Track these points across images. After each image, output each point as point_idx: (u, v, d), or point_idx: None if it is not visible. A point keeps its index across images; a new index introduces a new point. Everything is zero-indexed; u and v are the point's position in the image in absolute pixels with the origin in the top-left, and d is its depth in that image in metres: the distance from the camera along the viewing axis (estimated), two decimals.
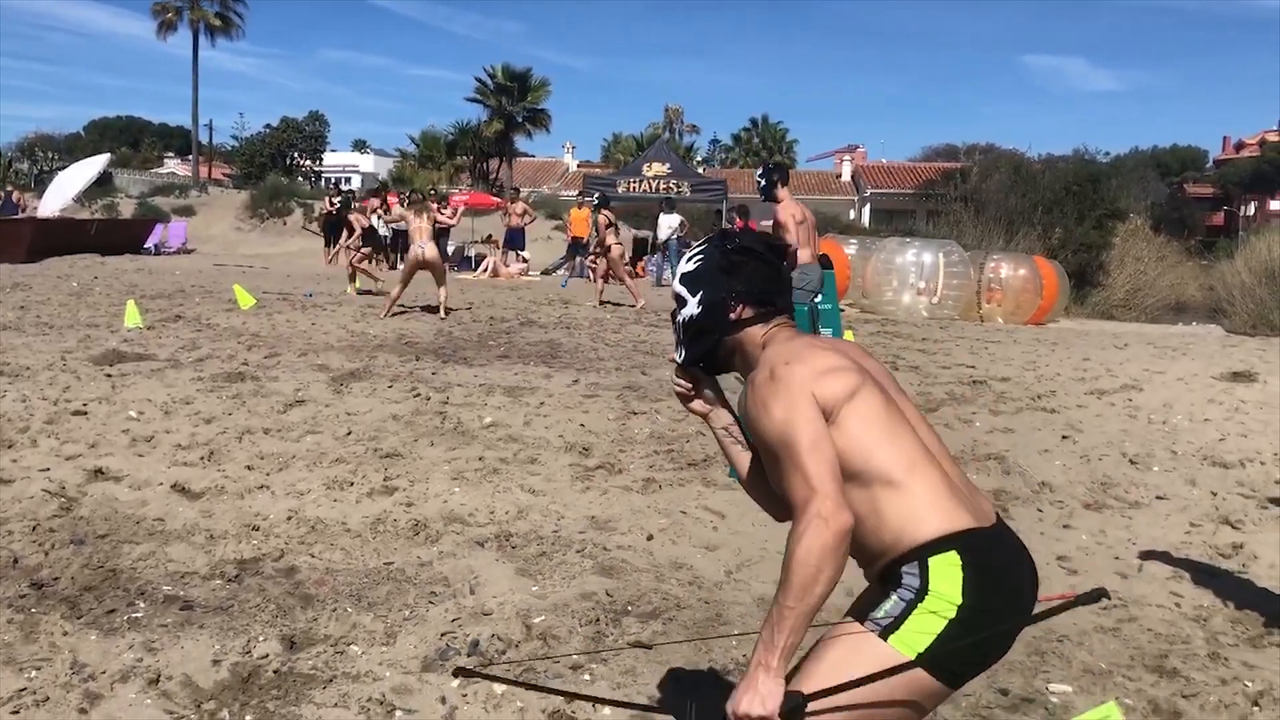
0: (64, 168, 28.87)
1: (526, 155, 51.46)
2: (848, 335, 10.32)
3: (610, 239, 15.88)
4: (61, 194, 24.19)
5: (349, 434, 6.60)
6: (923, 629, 1.94)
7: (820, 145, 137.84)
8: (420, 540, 4.68)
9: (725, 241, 2.31)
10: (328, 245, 22.89)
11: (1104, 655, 3.70)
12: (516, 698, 3.28)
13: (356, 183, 48.41)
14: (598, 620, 3.82)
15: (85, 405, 7.27)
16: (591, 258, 21.00)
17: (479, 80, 45.35)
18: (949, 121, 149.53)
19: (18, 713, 3.12)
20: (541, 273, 22.93)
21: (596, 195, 19.53)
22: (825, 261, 11.74)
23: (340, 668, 3.46)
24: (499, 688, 3.28)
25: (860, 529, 1.98)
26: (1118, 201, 29.74)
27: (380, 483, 5.54)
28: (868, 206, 46.23)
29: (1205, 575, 4.46)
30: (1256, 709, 3.34)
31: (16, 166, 38.19)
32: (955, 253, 18.46)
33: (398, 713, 3.20)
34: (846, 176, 50.41)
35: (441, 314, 13.09)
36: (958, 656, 1.96)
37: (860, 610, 2.06)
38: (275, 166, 43.04)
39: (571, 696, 2.66)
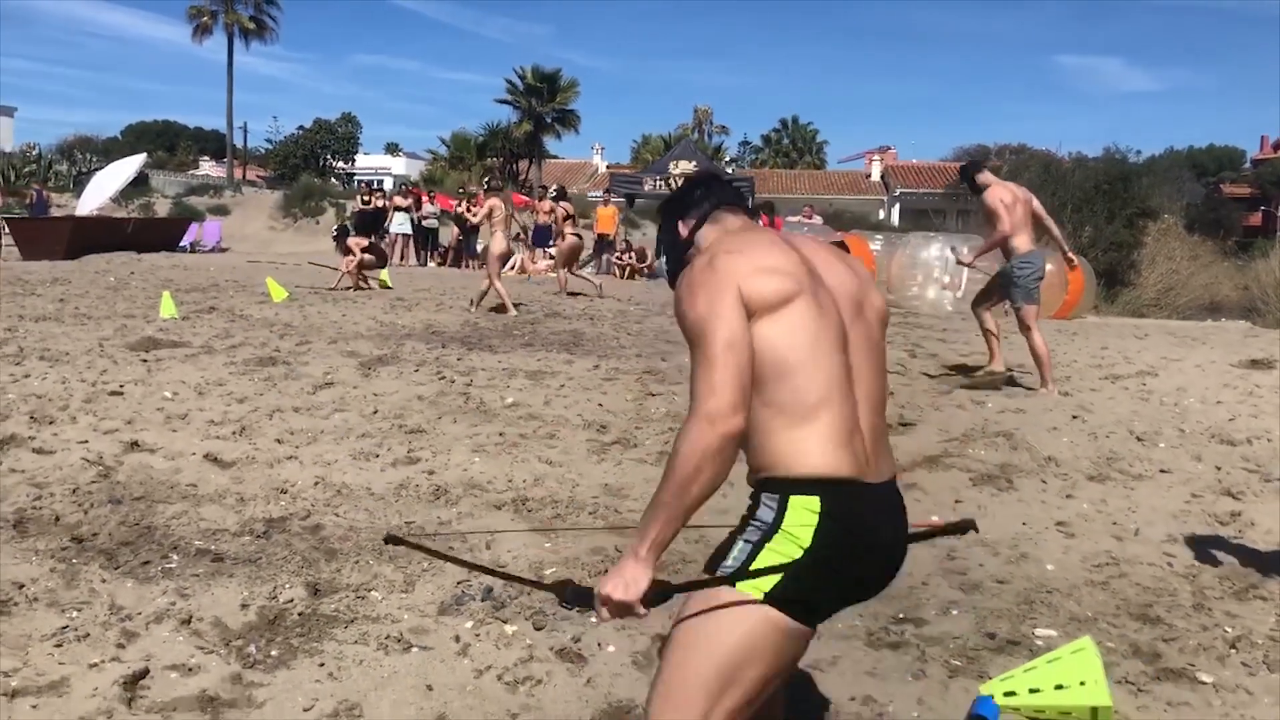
0: (101, 168, 29.42)
1: (555, 157, 51.78)
2: None
3: (568, 230, 16.25)
4: (99, 193, 24.69)
5: (375, 412, 6.82)
6: (769, 569, 1.95)
7: (851, 146, 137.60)
8: (440, 503, 4.88)
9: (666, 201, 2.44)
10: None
11: (1091, 605, 3.84)
12: (525, 636, 3.47)
13: (389, 185, 48.91)
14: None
15: (122, 386, 7.54)
16: (618, 255, 21.22)
17: (509, 81, 45.75)
18: (981, 122, 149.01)
19: (61, 645, 3.34)
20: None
21: (555, 186, 19.94)
22: (842, 249, 11.86)
23: (361, 611, 3.65)
24: (510, 627, 3.47)
25: (749, 436, 1.99)
26: (1149, 200, 29.57)
27: (404, 454, 5.75)
28: (897, 206, 46.20)
29: (1201, 540, 4.57)
30: (1234, 651, 3.46)
31: (56, 168, 38.91)
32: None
33: (414, 649, 3.40)
34: (876, 176, 50.37)
35: (475, 304, 13.38)
36: (804, 597, 1.97)
37: (714, 559, 2.06)
38: (308, 168, 43.60)
39: (472, 567, 2.75)
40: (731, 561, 2.01)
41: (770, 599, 1.95)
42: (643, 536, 2.01)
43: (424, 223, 24.25)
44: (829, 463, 1.98)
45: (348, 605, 3.69)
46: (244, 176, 50.60)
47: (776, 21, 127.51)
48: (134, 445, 5.83)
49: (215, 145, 69.20)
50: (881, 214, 44.98)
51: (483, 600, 3.75)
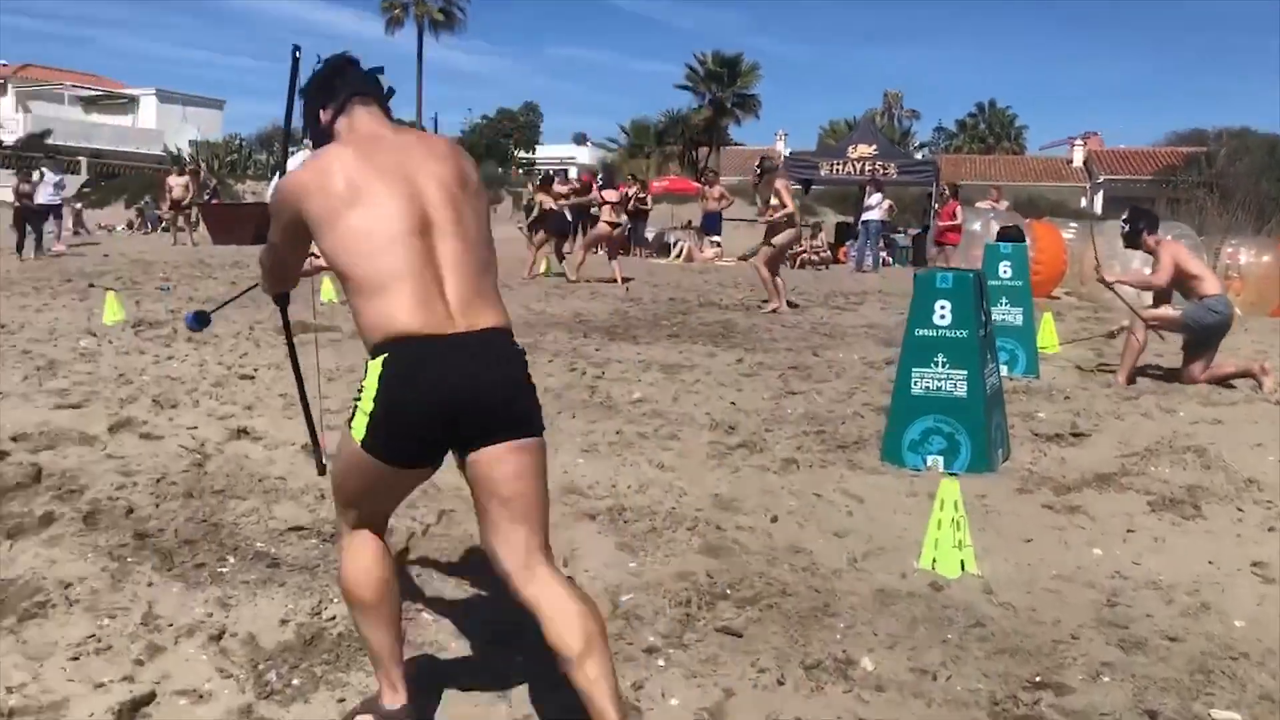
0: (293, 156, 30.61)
1: (737, 144, 51.17)
2: (1046, 322, 9.47)
3: (609, 215, 15.47)
4: None
5: None
6: (358, 422, 2.37)
7: (1053, 132, 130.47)
8: None
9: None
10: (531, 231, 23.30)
11: None
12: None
13: (573, 175, 49.36)
14: (689, 602, 3.47)
15: (255, 370, 7.47)
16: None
17: (689, 67, 45.41)
18: (1196, 106, 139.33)
19: (76, 659, 3.06)
20: (739, 258, 22.53)
21: (542, 172, 19.15)
22: (1016, 233, 10.90)
23: (412, 636, 3.24)
24: None
25: (351, 310, 2.43)
26: None
27: None
28: (1100, 193, 43.43)
29: None
30: None
31: (255, 157, 41.01)
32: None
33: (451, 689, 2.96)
34: (1078, 162, 47.55)
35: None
36: (382, 444, 2.36)
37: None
38: (490, 157, 44.46)
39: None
40: (349, 410, 2.44)
41: (362, 445, 2.37)
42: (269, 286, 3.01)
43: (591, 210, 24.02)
44: (395, 326, 2.32)
45: None
46: None
47: (974, 3, 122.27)
48: (241, 433, 5.65)
49: None
50: (1083, 201, 42.40)
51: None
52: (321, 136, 2.63)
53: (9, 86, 53.64)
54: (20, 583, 3.60)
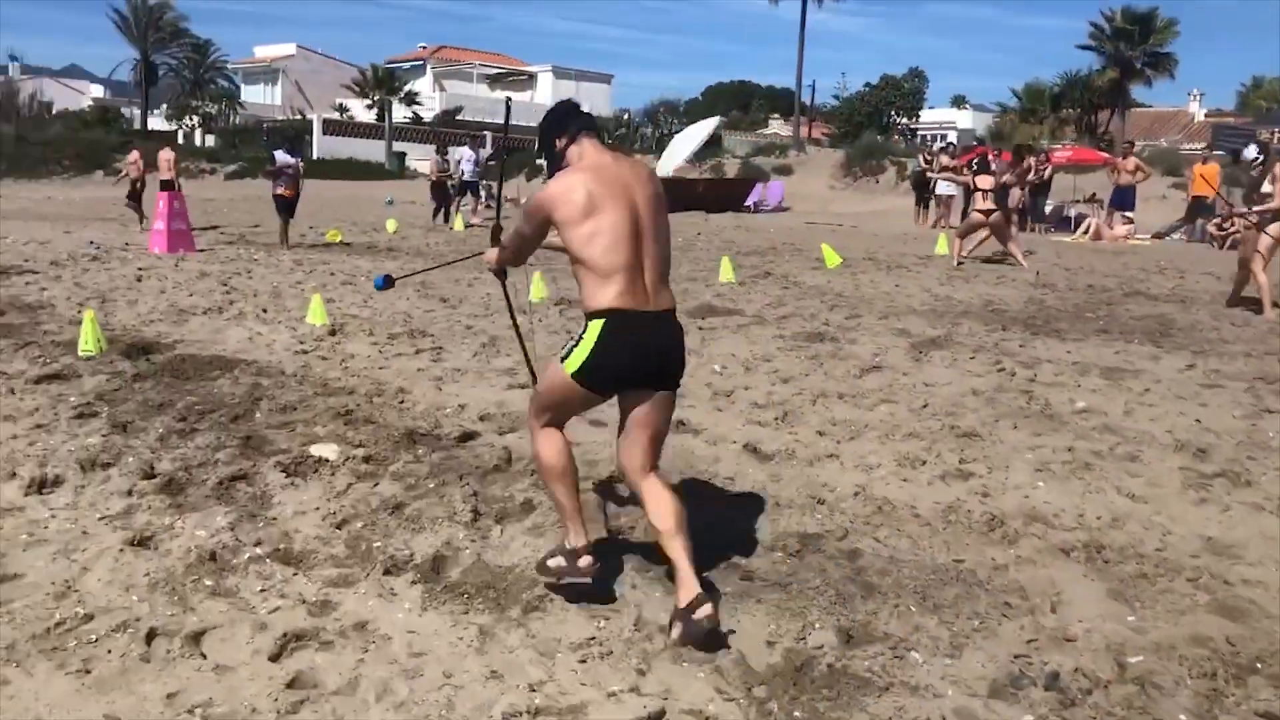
0: (680, 130, 31.56)
1: (1142, 105, 46.92)
2: None
3: (981, 204, 13.67)
4: (676, 154, 26.45)
5: (925, 406, 6.24)
6: (572, 360, 3.44)
7: None
8: (996, 538, 4.20)
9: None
10: (918, 205, 22.61)
11: None
12: None
13: (953, 140, 47.51)
14: (1214, 675, 3.09)
15: None
16: (1217, 221, 18.50)
17: (1093, 25, 42.07)
18: None
19: (585, 661, 3.20)
20: (1152, 236, 20.65)
21: (977, 157, 16.94)
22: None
23: (898, 675, 3.13)
24: None
25: (577, 281, 3.51)
26: None
27: (955, 465, 5.12)
28: None
29: None
30: None
31: (642, 130, 42.71)
32: None
33: None
34: None
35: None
36: (585, 375, 3.44)
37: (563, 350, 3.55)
38: (872, 125, 43.59)
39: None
40: (562, 350, 3.53)
41: (572, 375, 3.46)
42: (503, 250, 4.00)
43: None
44: (611, 301, 3.41)
45: (883, 665, 3.18)
46: (809, 135, 51.95)
47: None
48: (679, 425, 5.78)
49: (784, 104, 71.91)
50: None
51: (1046, 688, 3.04)
52: (554, 156, 3.72)
53: (427, 67, 59.33)
54: (517, 571, 3.85)
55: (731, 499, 4.64)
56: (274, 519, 4.43)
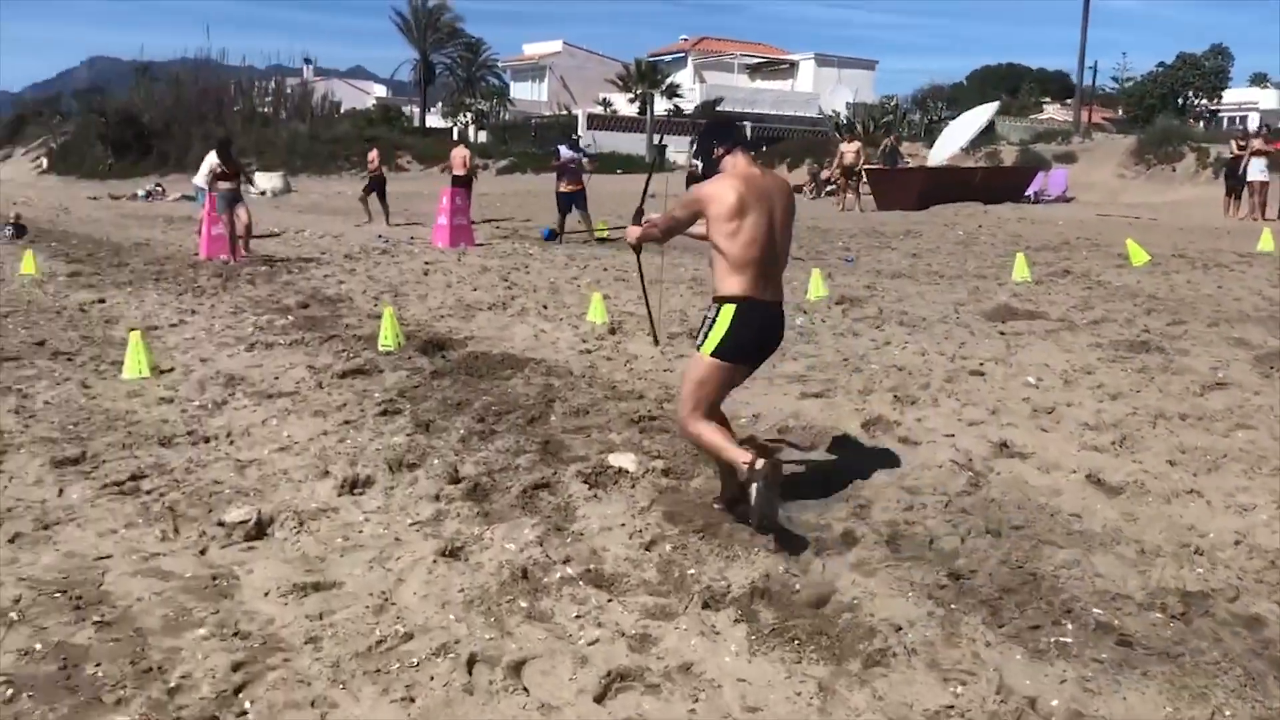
0: (952, 117, 30.15)
1: None
2: None
3: None
4: (951, 142, 25.22)
5: None
6: (707, 344, 4.18)
7: None
8: None
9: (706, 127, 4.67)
10: (1229, 195, 20.55)
11: None
12: None
13: (1253, 122, 43.29)
14: None
15: (982, 365, 7.08)
16: None
17: None
18: None
19: None
20: None
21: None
22: None
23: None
24: None
25: (712, 267, 4.25)
26: None
27: None
28: None
29: None
30: None
31: (910, 118, 41.20)
32: None
33: None
34: None
35: None
36: (723, 353, 4.16)
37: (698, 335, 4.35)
38: (1166, 108, 40.22)
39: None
40: (698, 337, 4.28)
41: (711, 354, 4.18)
42: (648, 229, 4.70)
43: None
44: (741, 289, 4.13)
45: None
46: (1089, 119, 48.73)
47: None
48: (1003, 447, 5.24)
49: (1056, 87, 67.85)
50: None
51: None
52: (711, 162, 4.36)
53: (688, 59, 59.73)
54: (850, 617, 3.47)
55: (1084, 540, 4.07)
56: (580, 534, 4.25)
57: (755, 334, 4.20)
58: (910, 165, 26.88)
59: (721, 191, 4.10)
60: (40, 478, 5.12)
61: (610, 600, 3.64)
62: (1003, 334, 8.18)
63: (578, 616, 3.52)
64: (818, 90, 56.49)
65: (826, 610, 3.54)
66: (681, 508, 4.45)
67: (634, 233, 4.82)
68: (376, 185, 21.29)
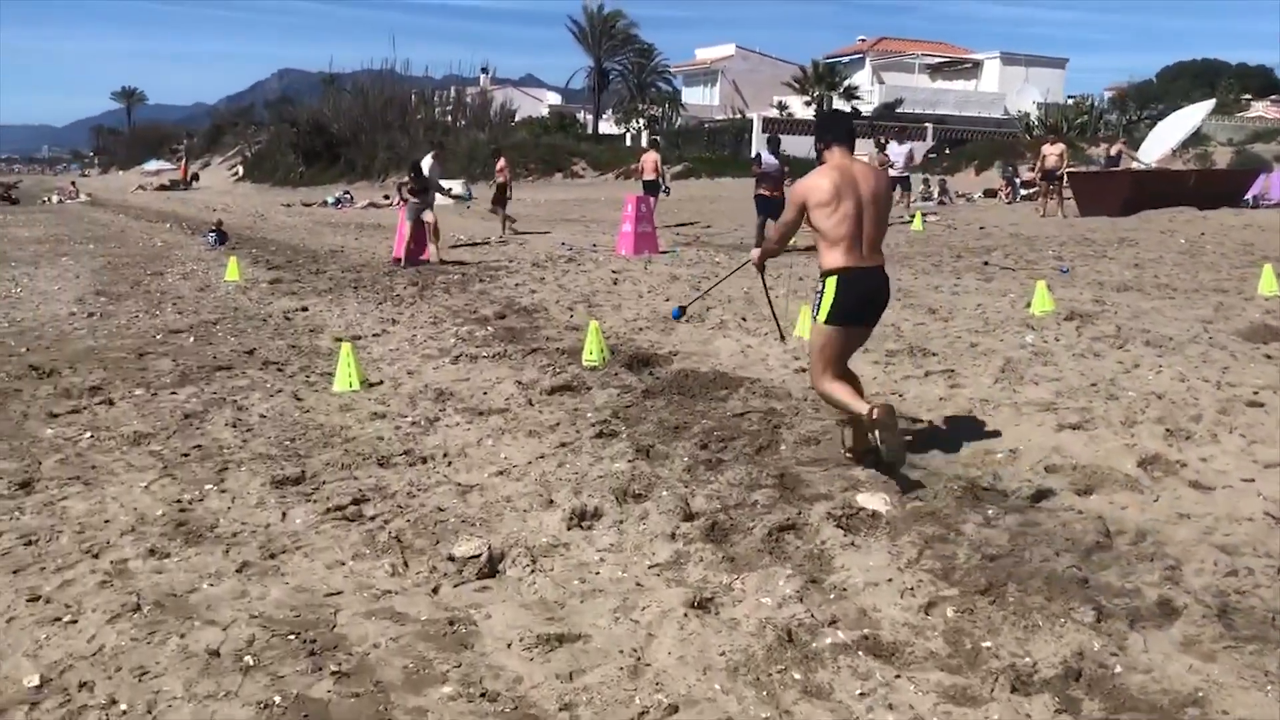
0: (1153, 117, 28.29)
1: None
2: None
3: None
4: (1160, 144, 23.60)
5: None
6: (821, 313, 4.87)
7: None
8: None
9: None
10: None
11: None
12: None
13: None
14: None
15: (1257, 394, 6.25)
16: None
17: None
18: None
19: None
20: None
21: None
22: None
23: None
24: None
25: (819, 250, 4.93)
26: None
27: None
28: None
29: None
30: None
31: (1106, 117, 38.99)
32: None
33: None
34: None
35: None
36: (834, 318, 4.86)
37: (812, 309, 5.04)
38: None
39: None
40: (813, 308, 4.96)
41: (824, 320, 4.89)
42: (768, 244, 5.55)
43: None
44: (840, 261, 4.84)
45: None
46: None
47: None
48: None
49: (1259, 83, 63.44)
50: None
51: None
52: (819, 154, 5.14)
53: (866, 60, 58.38)
54: (1197, 714, 2.89)
55: None
56: (844, 590, 3.78)
57: (859, 297, 4.92)
58: (1117, 169, 25.25)
59: (818, 183, 4.89)
60: (262, 499, 4.99)
61: (897, 676, 3.16)
62: (1269, 358, 7.29)
63: (862, 694, 3.06)
64: (1003, 90, 54.27)
65: (1164, 703, 2.97)
66: (956, 562, 3.92)
67: (755, 254, 5.70)
68: (501, 195, 20.94)
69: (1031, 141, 35.83)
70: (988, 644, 3.32)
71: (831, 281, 4.84)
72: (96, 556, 4.27)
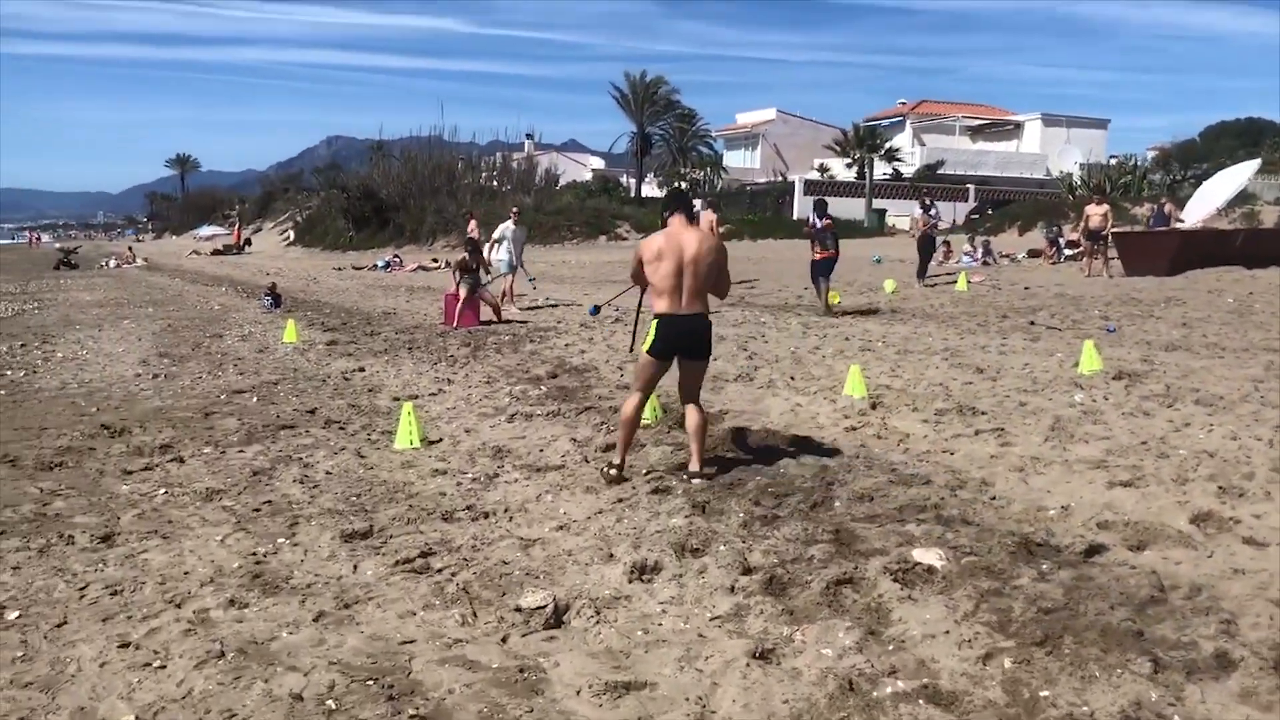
0: (1204, 176, 28.21)
1: None
2: None
3: None
4: (1205, 203, 23.56)
5: None
6: (646, 345, 6.14)
7: None
8: None
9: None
10: None
11: None
12: None
13: None
14: None
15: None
16: None
17: None
18: None
19: None
20: None
21: None
22: None
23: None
24: None
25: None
26: None
27: None
28: None
29: None
30: None
31: (1150, 177, 38.92)
32: None
33: None
34: None
35: None
36: (653, 351, 6.10)
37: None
38: None
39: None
40: (639, 343, 6.42)
41: (648, 351, 6.14)
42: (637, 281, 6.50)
43: None
44: (661, 308, 6.03)
45: None
46: None
47: None
48: None
49: None
50: None
51: None
52: (663, 221, 6.28)
53: (906, 122, 58.80)
54: None
55: None
56: (902, 642, 3.87)
57: (675, 336, 6.06)
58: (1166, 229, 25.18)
59: (648, 244, 6.13)
60: (333, 552, 5.17)
61: None
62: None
63: None
64: (1045, 151, 54.42)
65: None
66: (1012, 615, 4.01)
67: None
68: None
69: (1075, 202, 35.83)
70: (1045, 693, 3.40)
71: (654, 323, 6.05)
72: (179, 606, 4.46)
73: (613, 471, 6.23)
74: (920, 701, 3.39)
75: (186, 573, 4.90)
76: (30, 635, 4.19)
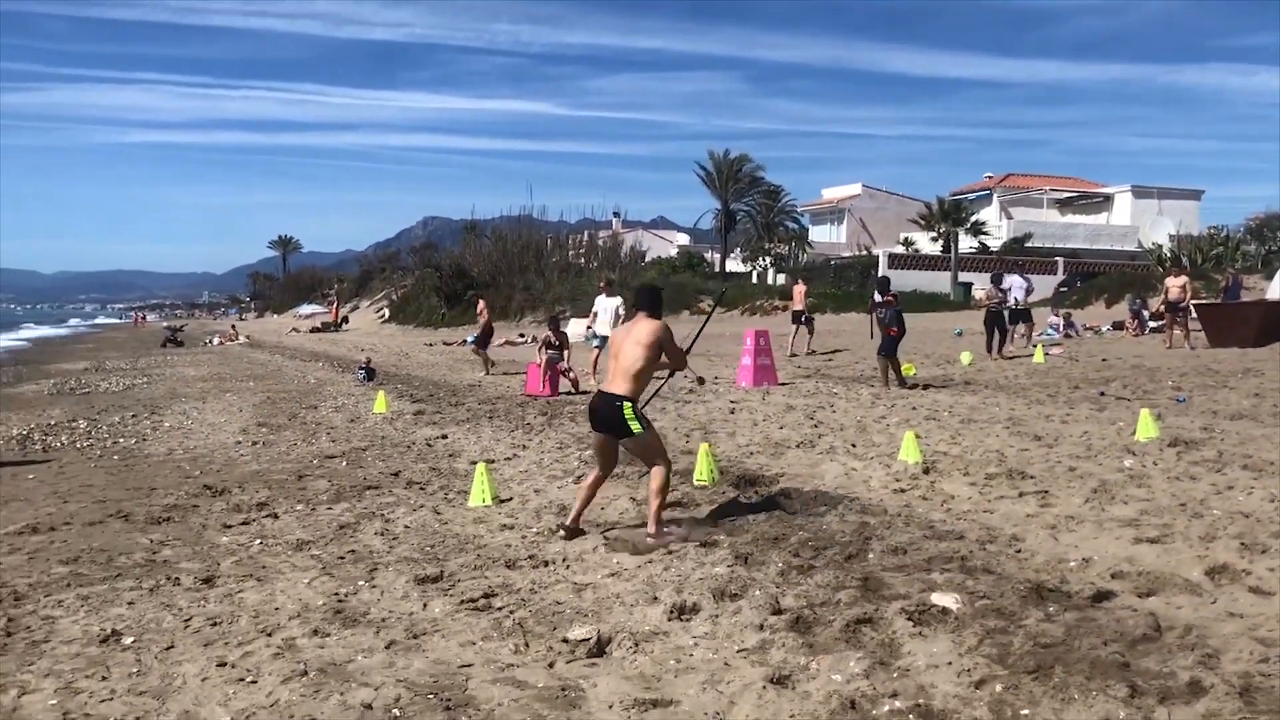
0: None
1: None
2: None
3: None
4: None
5: None
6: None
7: None
8: None
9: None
10: None
11: None
12: None
13: None
14: None
15: None
16: None
17: None
18: None
19: None
20: None
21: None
22: None
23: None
24: None
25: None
26: None
27: None
28: None
29: None
30: None
31: (1244, 248, 38.32)
32: None
33: None
34: None
35: None
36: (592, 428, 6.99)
37: None
38: None
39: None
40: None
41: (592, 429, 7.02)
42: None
43: None
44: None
45: None
46: None
47: None
48: None
49: None
50: None
51: None
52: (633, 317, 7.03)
53: (994, 195, 58.78)
54: None
55: None
56: (907, 670, 4.27)
57: (592, 411, 6.80)
58: (1248, 300, 24.91)
59: (610, 334, 7.34)
60: (406, 593, 5.74)
61: None
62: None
63: None
64: (1136, 223, 53.86)
65: None
66: (1011, 649, 4.37)
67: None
68: (485, 336, 22.58)
69: (1162, 274, 35.48)
70: (1025, 712, 3.78)
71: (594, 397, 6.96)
72: (270, 635, 5.07)
73: (561, 532, 6.85)
74: (910, 715, 3.79)
75: (277, 608, 5.51)
76: (143, 656, 4.83)
